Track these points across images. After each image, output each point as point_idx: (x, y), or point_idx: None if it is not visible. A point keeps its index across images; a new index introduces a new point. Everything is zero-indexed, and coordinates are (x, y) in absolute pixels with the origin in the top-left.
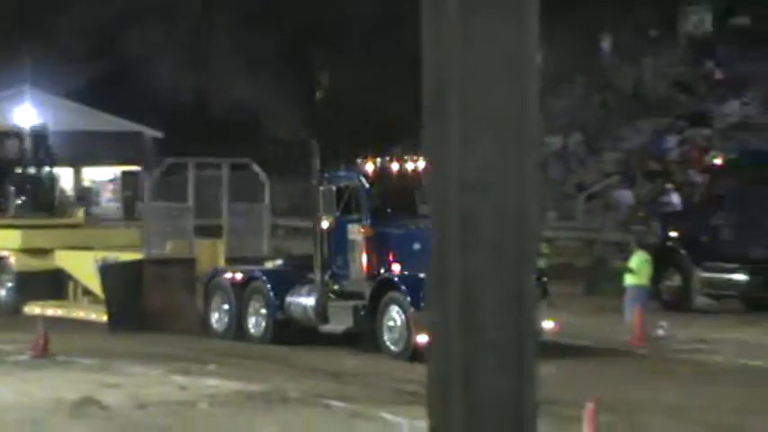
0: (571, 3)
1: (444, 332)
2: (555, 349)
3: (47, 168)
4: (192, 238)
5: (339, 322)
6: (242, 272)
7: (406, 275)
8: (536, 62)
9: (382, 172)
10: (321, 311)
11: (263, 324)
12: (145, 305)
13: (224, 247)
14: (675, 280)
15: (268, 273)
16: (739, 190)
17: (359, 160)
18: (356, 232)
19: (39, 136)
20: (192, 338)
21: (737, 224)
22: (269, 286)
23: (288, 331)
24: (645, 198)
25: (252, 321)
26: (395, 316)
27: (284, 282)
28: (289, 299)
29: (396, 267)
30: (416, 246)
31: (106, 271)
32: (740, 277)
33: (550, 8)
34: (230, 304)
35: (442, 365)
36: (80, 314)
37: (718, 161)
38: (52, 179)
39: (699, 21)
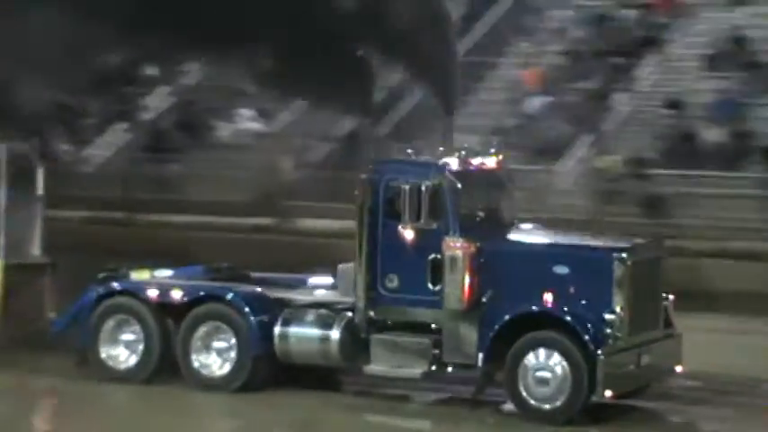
0: None
1: None
2: None
3: None
4: None
5: (396, 363)
6: (181, 289)
7: (578, 311)
8: None
9: (465, 168)
10: (355, 348)
11: (227, 364)
12: None
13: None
14: None
15: (241, 292)
16: None
17: (409, 150)
18: (455, 247)
19: None
20: None
21: None
22: (247, 310)
23: (268, 373)
24: None
25: (200, 359)
26: (552, 365)
27: (263, 305)
28: (281, 329)
29: (548, 297)
30: (561, 270)
31: None
32: None
33: None
34: (146, 335)
35: None
36: None
37: None
38: None
39: None
